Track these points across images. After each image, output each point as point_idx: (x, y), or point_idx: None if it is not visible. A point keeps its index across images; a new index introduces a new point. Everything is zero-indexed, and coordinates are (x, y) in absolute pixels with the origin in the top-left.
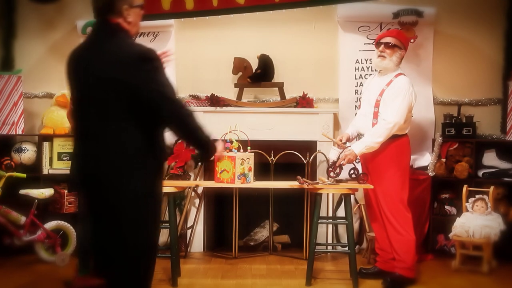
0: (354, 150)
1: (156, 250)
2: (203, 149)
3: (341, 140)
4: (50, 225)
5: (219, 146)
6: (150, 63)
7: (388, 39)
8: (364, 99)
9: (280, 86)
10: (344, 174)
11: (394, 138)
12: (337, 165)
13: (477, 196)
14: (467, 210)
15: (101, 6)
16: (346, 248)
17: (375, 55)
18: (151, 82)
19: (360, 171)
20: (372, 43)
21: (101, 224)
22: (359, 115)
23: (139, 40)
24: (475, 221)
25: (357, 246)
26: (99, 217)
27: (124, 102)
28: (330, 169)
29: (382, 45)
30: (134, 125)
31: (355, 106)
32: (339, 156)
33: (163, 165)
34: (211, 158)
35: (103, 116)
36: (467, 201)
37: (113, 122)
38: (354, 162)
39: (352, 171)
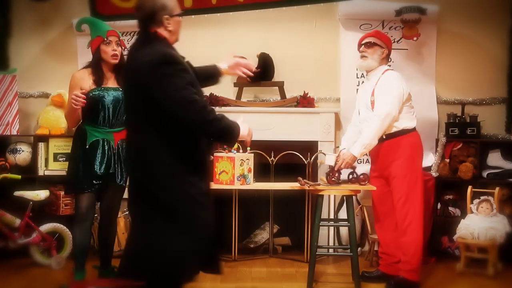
0: (352, 152)
1: (191, 257)
2: (224, 139)
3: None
4: (46, 227)
5: (244, 127)
6: (167, 67)
7: (367, 39)
8: (361, 106)
9: (280, 85)
10: (343, 177)
11: (403, 133)
12: (335, 169)
13: (482, 198)
14: (472, 212)
15: (143, 17)
16: (348, 251)
17: (359, 57)
18: (165, 85)
19: (360, 173)
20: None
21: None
22: (351, 126)
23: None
24: (480, 223)
25: (359, 249)
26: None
27: (148, 106)
28: (329, 175)
29: (363, 46)
30: (159, 130)
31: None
32: (336, 161)
33: (195, 170)
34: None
35: (133, 122)
36: (471, 203)
37: (140, 127)
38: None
39: (351, 175)
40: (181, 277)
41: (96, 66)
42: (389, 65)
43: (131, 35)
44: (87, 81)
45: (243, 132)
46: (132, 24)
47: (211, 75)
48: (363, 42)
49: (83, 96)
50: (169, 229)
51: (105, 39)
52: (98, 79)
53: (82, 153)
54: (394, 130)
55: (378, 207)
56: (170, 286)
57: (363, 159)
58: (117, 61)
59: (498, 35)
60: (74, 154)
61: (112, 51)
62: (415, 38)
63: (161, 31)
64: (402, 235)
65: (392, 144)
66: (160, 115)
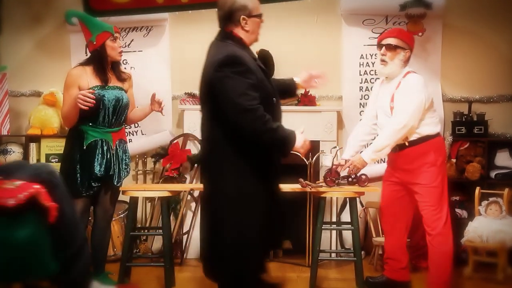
0: (362, 156)
1: (252, 248)
2: (277, 150)
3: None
4: None
5: (299, 139)
6: (229, 68)
7: (389, 40)
8: (379, 109)
9: None
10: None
11: (427, 139)
12: (334, 171)
13: (490, 199)
14: (480, 214)
15: (221, 16)
16: (352, 255)
17: (377, 59)
18: (225, 88)
19: (360, 174)
20: (377, 37)
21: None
22: (361, 125)
23: (131, 35)
24: (489, 225)
25: (362, 252)
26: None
27: (213, 103)
28: (328, 177)
29: (383, 48)
30: (221, 127)
31: (360, 103)
32: (333, 162)
33: (254, 168)
34: (291, 152)
35: (203, 119)
36: (480, 204)
37: (208, 123)
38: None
39: (350, 177)
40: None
41: (103, 64)
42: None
43: (126, 31)
44: (85, 79)
45: (298, 143)
46: (126, 20)
47: (288, 88)
48: (384, 43)
49: (92, 96)
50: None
51: (113, 34)
52: (106, 78)
53: (80, 154)
54: (416, 137)
55: (389, 210)
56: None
57: None
58: (121, 57)
59: (506, 30)
60: (70, 156)
61: (119, 48)
62: (420, 34)
63: (237, 30)
64: (432, 245)
65: (417, 151)
66: (222, 114)
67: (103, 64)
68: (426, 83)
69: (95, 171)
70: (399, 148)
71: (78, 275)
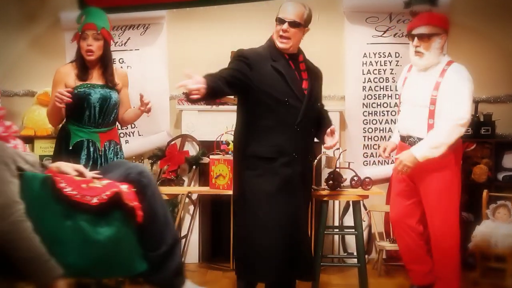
0: (414, 153)
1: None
2: None
3: (384, 151)
4: None
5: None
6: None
7: (420, 30)
8: (405, 101)
9: None
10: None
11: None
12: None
13: (498, 202)
14: (488, 218)
15: None
16: (356, 261)
17: (411, 50)
18: None
19: (364, 176)
20: (381, 35)
21: None
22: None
23: (128, 33)
24: (497, 229)
25: (366, 256)
26: None
27: None
28: (329, 179)
29: (416, 39)
30: None
31: (363, 104)
32: (336, 164)
33: None
34: None
35: None
36: (487, 208)
37: None
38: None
39: (353, 180)
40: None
41: (79, 60)
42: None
43: (123, 29)
44: (72, 77)
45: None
46: (122, 17)
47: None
48: (415, 32)
49: (68, 94)
50: None
51: (80, 33)
52: (81, 74)
53: (66, 155)
54: None
55: (400, 203)
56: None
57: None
58: (92, 57)
59: None
60: (57, 156)
61: (87, 46)
62: None
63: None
64: (438, 255)
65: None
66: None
67: (81, 61)
68: None
69: None
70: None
71: (170, 275)
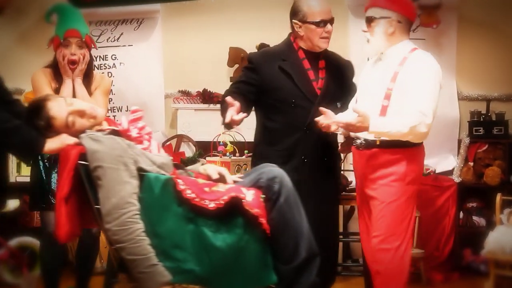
0: (370, 122)
1: None
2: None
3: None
4: (15, 242)
5: None
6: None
7: (367, 13)
8: (361, 93)
9: None
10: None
11: (404, 144)
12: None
13: None
14: (502, 223)
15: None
16: (362, 269)
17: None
18: None
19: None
20: None
21: None
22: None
23: (121, 28)
24: None
25: None
26: None
27: None
28: None
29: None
30: None
31: None
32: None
33: None
34: None
35: None
36: (501, 212)
37: None
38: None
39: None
40: None
41: (57, 71)
42: None
43: (115, 24)
44: (48, 87)
45: None
46: (115, 12)
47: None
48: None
49: None
50: None
51: (61, 40)
52: (59, 86)
53: (49, 158)
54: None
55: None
56: None
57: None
58: (74, 67)
59: None
60: (37, 162)
61: (70, 55)
62: (434, 26)
63: (295, 33)
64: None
65: (386, 156)
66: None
67: (56, 72)
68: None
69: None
70: (366, 145)
71: None
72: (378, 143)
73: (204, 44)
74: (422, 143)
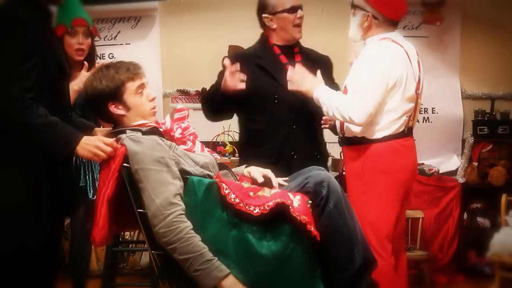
0: (317, 86)
1: None
2: None
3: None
4: None
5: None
6: None
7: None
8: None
9: None
10: None
11: (362, 141)
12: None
13: None
14: (507, 224)
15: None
16: None
17: None
18: None
19: None
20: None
21: None
22: None
23: (118, 27)
24: None
25: None
26: None
27: None
28: None
29: None
30: None
31: None
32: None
33: None
34: None
35: None
36: (506, 213)
37: None
38: None
39: None
40: None
41: None
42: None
43: (113, 22)
44: None
45: None
46: (112, 9)
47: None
48: None
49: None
50: None
51: (69, 29)
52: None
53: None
54: (351, 134)
55: None
56: None
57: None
58: (82, 57)
59: None
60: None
61: (78, 45)
62: (438, 23)
63: (266, 30)
64: None
65: (346, 153)
66: None
67: None
68: (404, 57)
69: None
70: (341, 142)
71: None
72: (339, 139)
73: (203, 43)
74: (387, 138)
